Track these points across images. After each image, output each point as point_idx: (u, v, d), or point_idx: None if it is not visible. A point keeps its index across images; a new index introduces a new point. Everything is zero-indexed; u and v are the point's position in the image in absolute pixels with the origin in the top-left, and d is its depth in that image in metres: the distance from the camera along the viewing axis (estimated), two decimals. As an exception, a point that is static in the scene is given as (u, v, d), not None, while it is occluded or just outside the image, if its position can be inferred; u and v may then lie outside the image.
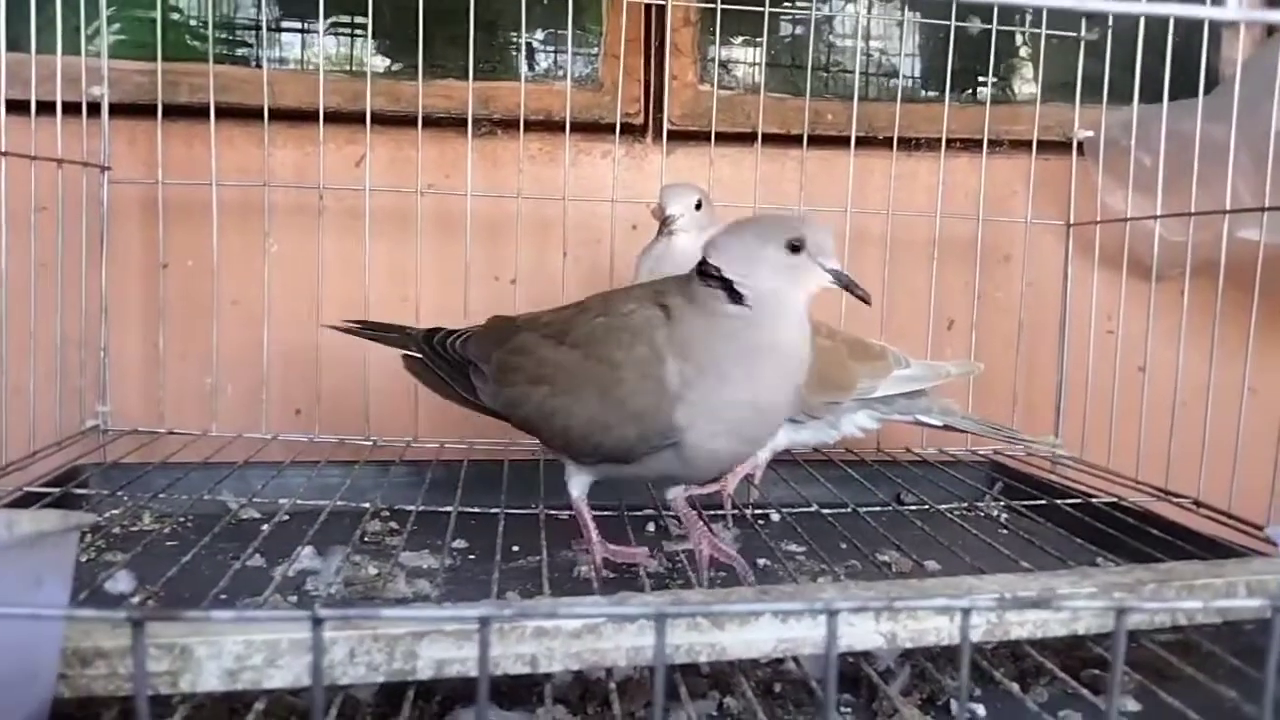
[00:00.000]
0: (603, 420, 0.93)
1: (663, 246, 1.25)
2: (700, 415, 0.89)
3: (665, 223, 1.24)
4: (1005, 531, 1.22)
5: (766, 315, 0.89)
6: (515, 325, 1.06)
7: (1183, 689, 0.72)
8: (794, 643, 0.71)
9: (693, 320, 0.90)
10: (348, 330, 1.21)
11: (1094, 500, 1.25)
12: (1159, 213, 1.39)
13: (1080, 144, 1.58)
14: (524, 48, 1.60)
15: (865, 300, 0.93)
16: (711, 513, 1.21)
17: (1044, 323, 1.61)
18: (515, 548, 1.11)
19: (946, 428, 1.32)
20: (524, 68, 1.59)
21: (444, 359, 1.09)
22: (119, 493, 1.22)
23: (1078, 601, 0.77)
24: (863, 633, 0.73)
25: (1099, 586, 0.80)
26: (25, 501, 1.10)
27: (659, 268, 1.23)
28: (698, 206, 1.24)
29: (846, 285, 0.91)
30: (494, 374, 1.03)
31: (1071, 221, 1.59)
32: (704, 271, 0.90)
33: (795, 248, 0.89)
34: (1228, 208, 1.26)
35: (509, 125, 1.55)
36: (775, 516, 1.25)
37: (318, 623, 0.42)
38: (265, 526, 1.09)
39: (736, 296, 0.88)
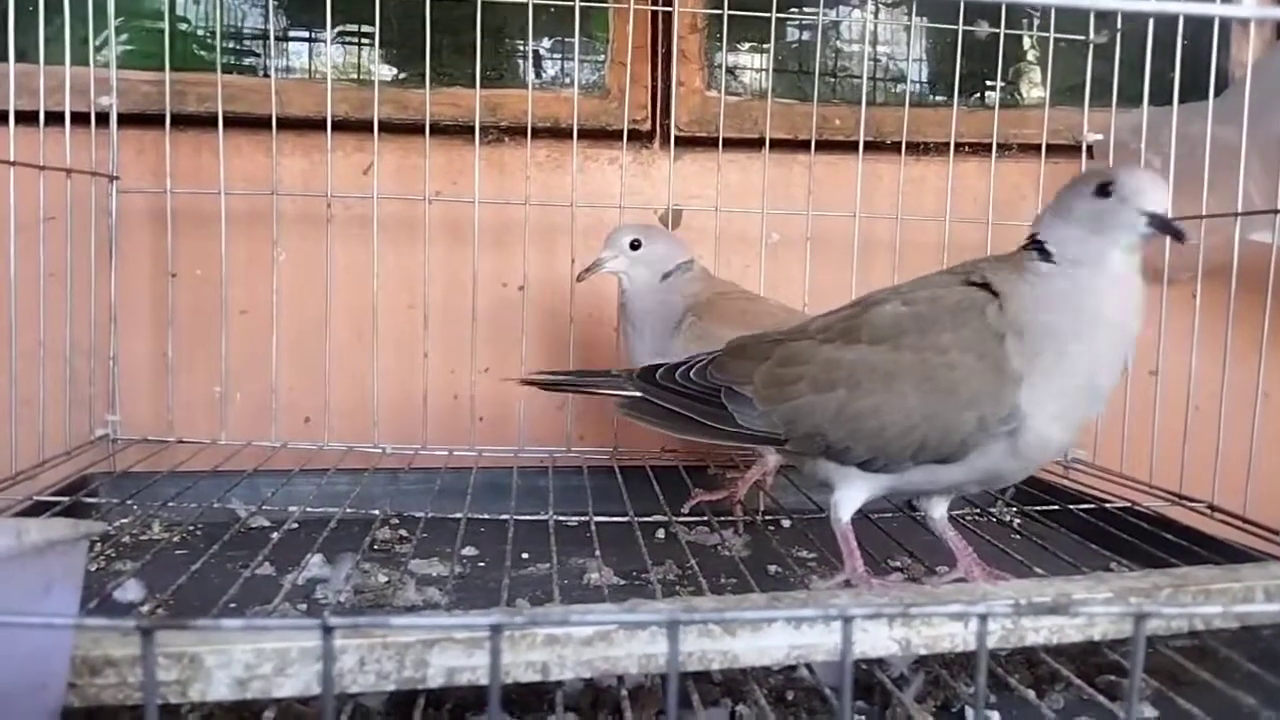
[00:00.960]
0: (930, 412, 0.84)
1: (626, 284, 1.31)
2: (1043, 395, 0.82)
3: (591, 266, 1.31)
4: (1018, 537, 1.21)
5: (1082, 273, 0.82)
6: (771, 340, 0.97)
7: (1199, 694, 0.71)
8: (807, 649, 0.71)
9: (1021, 291, 0.84)
10: (544, 384, 1.11)
11: (1108, 505, 1.24)
12: (1169, 215, 1.38)
13: (1090, 147, 1.57)
14: (530, 55, 1.60)
15: (1182, 239, 0.83)
16: (721, 519, 1.21)
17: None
18: (525, 555, 1.11)
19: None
20: (531, 75, 1.59)
21: (678, 393, 0.99)
22: (128, 501, 1.22)
23: (1095, 607, 0.76)
24: (876, 639, 0.72)
25: (1115, 592, 0.79)
26: (35, 510, 1.10)
27: (625, 311, 1.32)
28: (634, 246, 1.29)
29: (1163, 228, 0.81)
30: (760, 392, 0.94)
31: (1081, 225, 1.58)
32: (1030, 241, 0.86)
33: (1104, 192, 0.82)
34: (1239, 210, 1.25)
35: (516, 132, 1.55)
36: (786, 523, 1.25)
37: (327, 631, 0.42)
38: (274, 535, 1.09)
39: (1046, 255, 0.84)
